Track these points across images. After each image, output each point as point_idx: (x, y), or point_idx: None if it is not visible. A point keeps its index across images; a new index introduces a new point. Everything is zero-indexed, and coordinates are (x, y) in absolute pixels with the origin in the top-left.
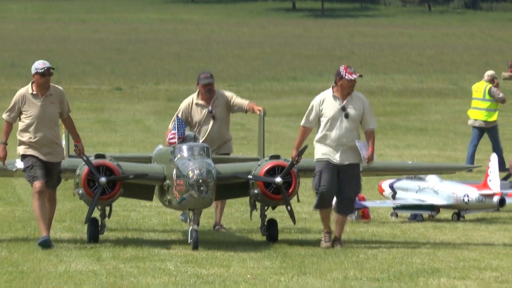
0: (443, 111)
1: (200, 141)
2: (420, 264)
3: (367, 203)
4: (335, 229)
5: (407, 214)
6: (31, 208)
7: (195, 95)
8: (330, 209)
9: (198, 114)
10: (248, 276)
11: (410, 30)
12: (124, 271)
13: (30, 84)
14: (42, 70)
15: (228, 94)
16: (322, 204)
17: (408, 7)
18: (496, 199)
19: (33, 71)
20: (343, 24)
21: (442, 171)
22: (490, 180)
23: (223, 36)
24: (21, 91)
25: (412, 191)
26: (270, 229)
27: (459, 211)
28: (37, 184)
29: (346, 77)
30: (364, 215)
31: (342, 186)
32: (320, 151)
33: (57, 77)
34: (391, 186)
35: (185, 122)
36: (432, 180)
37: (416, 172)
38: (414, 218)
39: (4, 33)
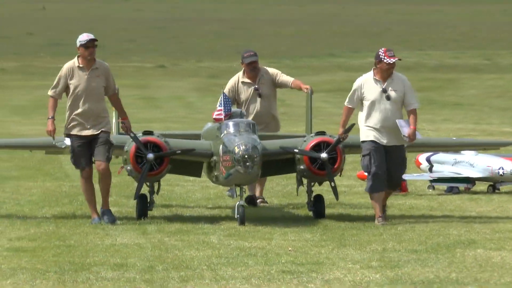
0: (478, 86)
1: (249, 118)
2: (456, 235)
3: (405, 176)
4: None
5: (443, 186)
6: (78, 184)
7: (240, 73)
8: (382, 193)
9: (244, 92)
10: (290, 248)
11: (444, 7)
12: (169, 244)
13: (76, 57)
14: (85, 41)
15: (273, 71)
16: (375, 186)
17: None
18: None
19: (77, 44)
20: (379, 2)
21: (486, 147)
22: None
23: (262, 14)
24: (68, 65)
25: (448, 164)
26: (317, 205)
27: (494, 183)
28: (83, 173)
29: (385, 60)
30: (402, 188)
31: (389, 166)
32: (366, 133)
33: (102, 55)
34: (428, 160)
35: (232, 100)
36: (467, 153)
37: (460, 148)
38: (450, 190)
39: (50, 13)
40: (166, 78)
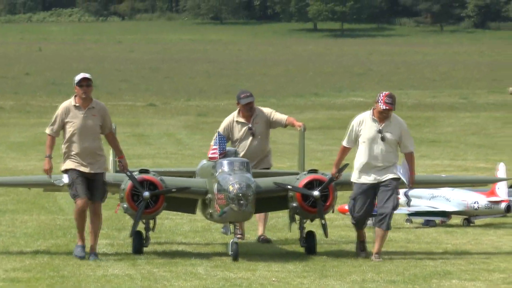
0: (454, 124)
1: (240, 156)
2: (433, 266)
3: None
4: (375, 244)
5: (420, 220)
6: (71, 217)
7: (235, 113)
8: (363, 230)
9: (238, 131)
10: (273, 279)
11: (423, 48)
12: (158, 275)
13: (73, 97)
14: (79, 80)
15: (267, 110)
16: (357, 226)
17: (422, 27)
18: (503, 205)
19: (74, 83)
20: (362, 43)
21: (475, 183)
22: (498, 188)
23: (250, 55)
24: (65, 104)
25: (425, 199)
26: (309, 241)
27: (469, 217)
28: (79, 202)
29: (380, 105)
30: None
31: (380, 202)
32: (356, 175)
33: (96, 94)
34: (406, 194)
35: (227, 138)
36: (444, 188)
37: (450, 184)
38: (427, 224)
39: (46, 53)
40: (157, 116)
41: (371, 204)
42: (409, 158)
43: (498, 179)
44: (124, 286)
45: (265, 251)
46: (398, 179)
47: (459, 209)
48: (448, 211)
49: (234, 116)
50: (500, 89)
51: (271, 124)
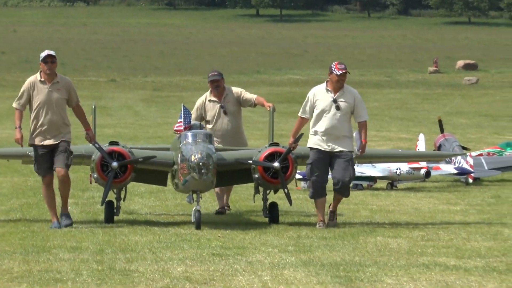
0: (380, 99)
1: (217, 134)
2: (360, 225)
3: None
4: (331, 203)
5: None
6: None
7: (208, 92)
8: (324, 198)
9: (211, 110)
10: (219, 235)
11: (353, 32)
12: (117, 230)
13: (38, 72)
14: (44, 57)
15: (237, 90)
16: (316, 193)
17: (351, 13)
18: (423, 171)
19: (39, 60)
20: (298, 28)
21: (430, 158)
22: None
23: (199, 37)
24: (31, 79)
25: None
26: (272, 212)
27: (392, 181)
28: (45, 180)
29: (335, 72)
30: None
31: (336, 171)
32: (312, 141)
33: (63, 71)
34: None
35: (200, 117)
36: None
37: (405, 159)
38: (355, 187)
39: (20, 35)
40: (117, 91)
41: (327, 169)
42: (362, 126)
43: (451, 154)
44: (87, 239)
45: (227, 220)
46: (352, 151)
47: (383, 175)
48: (374, 176)
49: (206, 95)
50: (420, 69)
51: (241, 103)
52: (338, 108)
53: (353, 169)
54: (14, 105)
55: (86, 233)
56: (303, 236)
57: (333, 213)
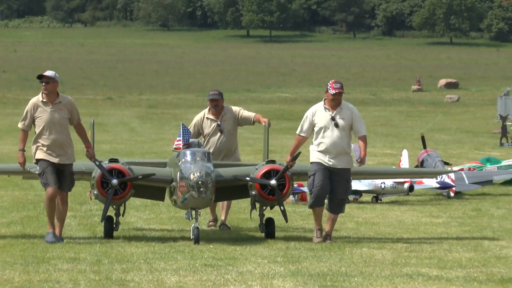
0: (365, 116)
1: (213, 151)
2: (346, 237)
3: (304, 188)
4: (326, 226)
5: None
6: (41, 193)
7: (206, 110)
8: (322, 208)
9: (208, 127)
10: (211, 246)
11: (339, 52)
12: (114, 242)
13: (40, 93)
14: (38, 76)
15: (235, 109)
16: (316, 203)
17: (338, 34)
18: (406, 185)
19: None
20: (287, 48)
21: (424, 175)
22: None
23: (192, 57)
24: (33, 100)
25: None
26: (268, 227)
27: (377, 195)
28: (49, 190)
29: (330, 91)
30: (302, 198)
31: (334, 187)
32: (314, 155)
33: (61, 89)
34: None
35: (197, 134)
36: None
37: (400, 176)
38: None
39: (20, 54)
40: (113, 108)
41: (328, 181)
42: (362, 140)
43: (445, 171)
44: (84, 251)
45: (224, 235)
46: (350, 168)
47: (369, 188)
48: (359, 190)
49: (205, 113)
50: (404, 87)
51: (239, 121)
52: (336, 125)
53: (350, 186)
54: (20, 125)
55: (83, 244)
56: (291, 247)
57: (329, 235)
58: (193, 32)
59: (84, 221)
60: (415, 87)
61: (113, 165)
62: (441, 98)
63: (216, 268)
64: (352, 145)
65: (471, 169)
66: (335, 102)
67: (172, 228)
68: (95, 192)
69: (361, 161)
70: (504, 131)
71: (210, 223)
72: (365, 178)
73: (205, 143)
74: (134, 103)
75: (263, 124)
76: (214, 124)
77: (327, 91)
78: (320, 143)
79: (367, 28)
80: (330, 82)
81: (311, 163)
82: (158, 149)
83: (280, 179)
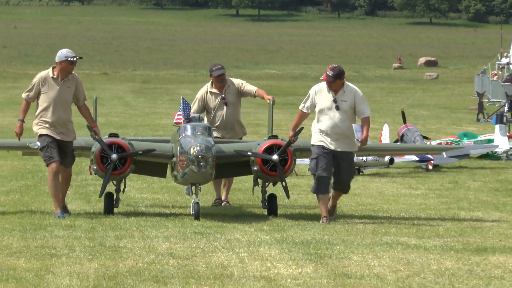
0: None
1: (216, 124)
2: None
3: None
4: (330, 200)
5: None
6: (39, 162)
7: (208, 84)
8: (327, 195)
9: (212, 101)
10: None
11: (324, 31)
12: None
13: (51, 68)
14: (73, 59)
15: (238, 81)
16: (320, 188)
17: (323, 14)
18: (387, 158)
19: (61, 58)
20: (274, 27)
21: (428, 151)
22: (383, 138)
23: (184, 35)
24: (42, 74)
25: None
26: (270, 203)
27: (359, 167)
28: (53, 164)
29: (326, 73)
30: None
31: (337, 171)
32: (316, 138)
33: None
34: None
35: (202, 109)
36: None
37: (406, 152)
38: None
39: (20, 31)
40: (108, 83)
41: (331, 165)
42: (365, 121)
43: (451, 147)
44: (80, 218)
45: (225, 212)
46: (353, 152)
47: None
48: None
49: (207, 87)
50: (385, 65)
51: (242, 94)
52: (338, 108)
53: (354, 169)
54: (23, 95)
55: (79, 212)
56: (277, 217)
57: (333, 209)
58: (185, 11)
59: (80, 190)
60: (396, 64)
61: (113, 139)
62: (420, 76)
63: (205, 235)
64: (354, 125)
65: (449, 143)
66: (329, 86)
67: (164, 197)
68: (95, 167)
69: (364, 142)
70: (480, 108)
71: (216, 201)
72: (369, 155)
73: (211, 117)
74: (129, 78)
75: (267, 101)
76: (218, 98)
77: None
78: (321, 124)
79: (351, 8)
80: (328, 68)
81: (312, 145)
82: (151, 122)
83: (282, 154)
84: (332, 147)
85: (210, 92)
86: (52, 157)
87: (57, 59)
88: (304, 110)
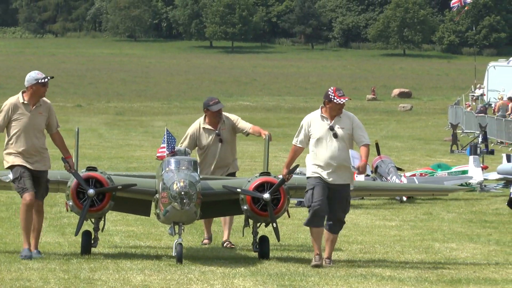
0: None
1: (210, 162)
2: (304, 240)
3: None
4: (325, 248)
5: (294, 201)
6: (14, 195)
7: (201, 120)
8: (322, 229)
9: (206, 138)
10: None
11: (298, 63)
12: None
13: (20, 93)
14: (44, 80)
15: (233, 117)
16: (314, 221)
17: (297, 45)
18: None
19: (31, 82)
20: (248, 58)
21: (434, 192)
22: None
23: (158, 66)
24: (12, 100)
25: None
26: (262, 246)
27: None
28: (27, 196)
29: (335, 100)
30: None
31: (332, 206)
32: (311, 169)
33: None
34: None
35: (193, 145)
36: None
37: (407, 193)
38: (299, 204)
39: None
40: (82, 115)
41: (326, 197)
42: (364, 149)
43: (457, 188)
44: (54, 251)
45: (211, 254)
46: (350, 184)
47: None
48: None
49: (200, 123)
50: (359, 96)
51: (235, 130)
52: (335, 136)
53: (349, 205)
54: None
55: (53, 245)
56: (252, 249)
57: (329, 258)
58: (158, 43)
59: (54, 223)
60: (370, 96)
61: (90, 173)
62: (394, 107)
63: (180, 267)
64: (350, 151)
65: (423, 174)
66: (338, 112)
67: (138, 229)
68: (70, 203)
69: (362, 168)
70: (454, 139)
71: (205, 241)
72: (369, 195)
73: (205, 155)
74: (102, 110)
75: (263, 136)
76: (212, 135)
77: (330, 100)
78: (317, 156)
79: (325, 40)
80: (332, 90)
81: (308, 177)
82: (125, 154)
83: (274, 193)
84: (329, 180)
85: (204, 128)
86: (25, 188)
87: (26, 84)
88: (298, 145)
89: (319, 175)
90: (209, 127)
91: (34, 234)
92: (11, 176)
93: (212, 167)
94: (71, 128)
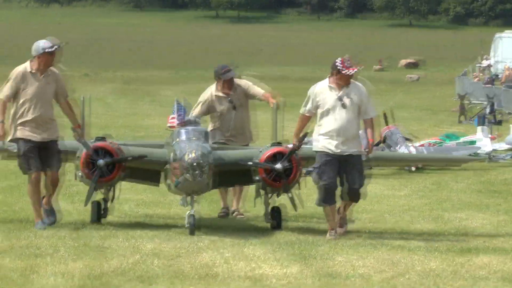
0: None
1: (224, 130)
2: (313, 208)
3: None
4: (339, 208)
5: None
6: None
7: (213, 87)
8: (334, 205)
9: (219, 105)
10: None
11: (303, 33)
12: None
13: (28, 62)
14: (51, 49)
15: (245, 83)
16: (326, 199)
17: (303, 16)
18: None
19: (39, 51)
20: (254, 29)
21: (447, 162)
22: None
23: (163, 36)
24: (19, 69)
25: None
26: (274, 217)
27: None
28: (33, 176)
29: (344, 71)
30: None
31: (346, 177)
32: (319, 143)
33: None
34: None
35: (206, 112)
36: None
37: (421, 162)
38: (308, 173)
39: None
40: (90, 84)
41: (336, 174)
42: (368, 124)
43: (469, 159)
44: (64, 219)
45: (225, 224)
46: (359, 156)
47: None
48: None
49: (212, 90)
50: (366, 67)
51: (248, 96)
52: (344, 106)
53: (363, 174)
54: (0, 95)
55: (63, 213)
56: (262, 217)
57: (344, 219)
58: (164, 13)
59: (63, 191)
60: (376, 67)
61: (100, 143)
62: (402, 78)
63: (190, 236)
64: (360, 132)
65: (431, 144)
66: (346, 83)
67: (148, 198)
68: (79, 173)
69: (369, 149)
70: (462, 109)
71: (223, 210)
72: (378, 166)
73: (219, 122)
74: (109, 80)
75: (271, 105)
76: (226, 101)
77: (338, 72)
78: (326, 127)
79: (331, 11)
80: (339, 60)
81: (316, 152)
82: (132, 123)
83: (288, 162)
84: (338, 151)
85: (216, 95)
86: (30, 169)
87: (33, 53)
88: (306, 114)
89: (327, 149)
90: (222, 94)
91: (48, 194)
92: (16, 148)
93: (228, 134)
94: (78, 98)
